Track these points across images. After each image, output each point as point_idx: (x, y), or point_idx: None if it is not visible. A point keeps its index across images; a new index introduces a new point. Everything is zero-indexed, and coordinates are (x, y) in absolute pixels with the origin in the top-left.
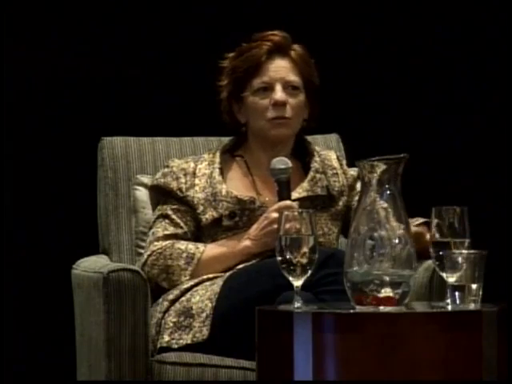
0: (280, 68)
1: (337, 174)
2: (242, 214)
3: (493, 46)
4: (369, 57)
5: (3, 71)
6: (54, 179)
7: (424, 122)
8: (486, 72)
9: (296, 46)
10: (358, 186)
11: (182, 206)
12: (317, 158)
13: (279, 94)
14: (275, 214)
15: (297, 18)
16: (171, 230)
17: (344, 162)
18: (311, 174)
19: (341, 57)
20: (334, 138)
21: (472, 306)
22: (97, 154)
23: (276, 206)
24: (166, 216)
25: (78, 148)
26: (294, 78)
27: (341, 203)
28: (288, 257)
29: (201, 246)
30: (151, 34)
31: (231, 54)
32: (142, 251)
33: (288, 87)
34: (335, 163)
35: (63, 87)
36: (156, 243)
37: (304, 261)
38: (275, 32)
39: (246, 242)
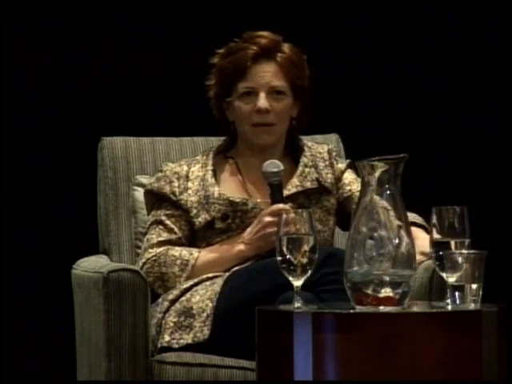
0: (265, 73)
1: (328, 166)
2: (234, 216)
3: (493, 46)
4: (369, 57)
5: (3, 71)
6: (54, 179)
7: (424, 122)
8: (485, 72)
9: (285, 47)
10: (345, 176)
11: (176, 210)
12: (307, 153)
13: (262, 101)
14: (268, 218)
15: (297, 17)
16: (165, 236)
17: (334, 154)
18: (300, 168)
19: (341, 57)
20: (333, 138)
21: (472, 306)
22: (97, 153)
23: (269, 210)
24: (159, 222)
25: (78, 148)
26: (278, 82)
27: (335, 196)
28: (288, 257)
29: (195, 251)
30: (151, 33)
31: (221, 51)
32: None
33: (272, 92)
34: (326, 156)
35: (63, 87)
36: (150, 250)
37: (304, 260)
38: (264, 34)
39: (240, 247)
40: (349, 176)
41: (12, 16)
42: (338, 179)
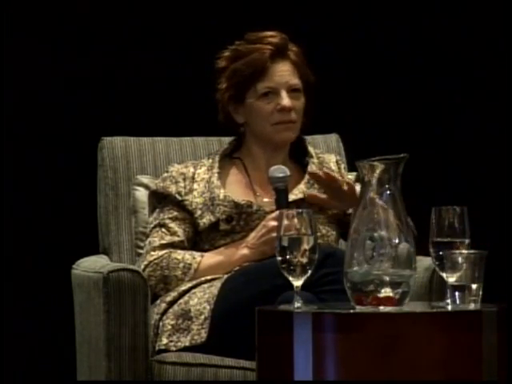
0: (283, 72)
1: None
2: (239, 218)
3: (492, 45)
4: (369, 57)
5: (3, 71)
6: (55, 179)
7: (424, 122)
8: (485, 71)
9: (292, 46)
10: (356, 189)
11: (180, 212)
12: (315, 160)
13: (286, 100)
14: (273, 223)
15: (297, 17)
16: (168, 239)
17: (343, 166)
18: (308, 175)
19: (341, 57)
20: (333, 138)
21: (472, 306)
22: (97, 153)
23: (274, 215)
24: (162, 225)
25: (78, 148)
26: (296, 81)
27: None
28: (288, 257)
29: (197, 255)
30: (151, 33)
31: (226, 54)
32: (141, 251)
33: (291, 91)
34: (333, 166)
35: (63, 87)
36: (152, 253)
37: (304, 260)
38: (273, 33)
39: (244, 251)
40: (358, 189)
41: (12, 16)
42: None
